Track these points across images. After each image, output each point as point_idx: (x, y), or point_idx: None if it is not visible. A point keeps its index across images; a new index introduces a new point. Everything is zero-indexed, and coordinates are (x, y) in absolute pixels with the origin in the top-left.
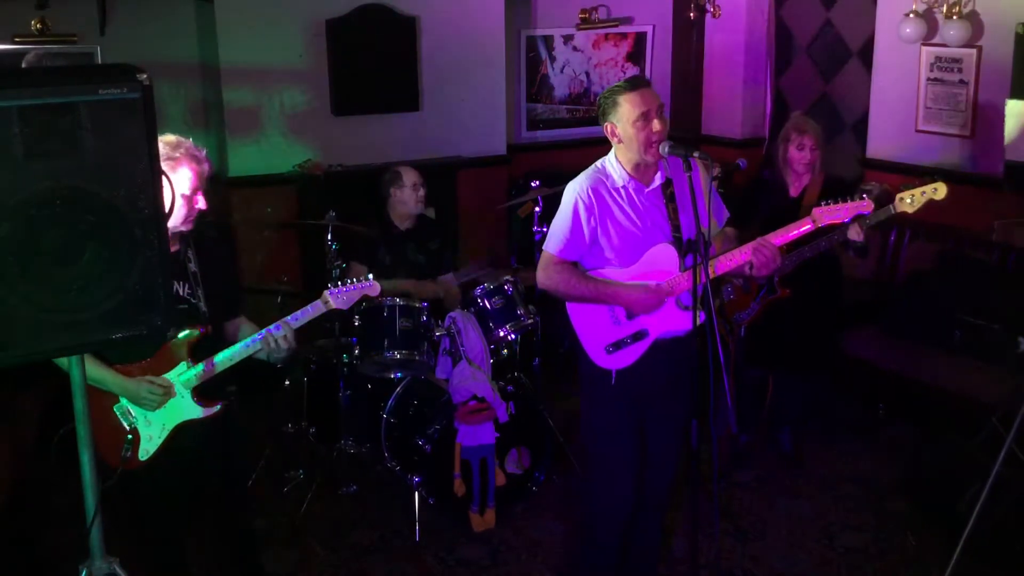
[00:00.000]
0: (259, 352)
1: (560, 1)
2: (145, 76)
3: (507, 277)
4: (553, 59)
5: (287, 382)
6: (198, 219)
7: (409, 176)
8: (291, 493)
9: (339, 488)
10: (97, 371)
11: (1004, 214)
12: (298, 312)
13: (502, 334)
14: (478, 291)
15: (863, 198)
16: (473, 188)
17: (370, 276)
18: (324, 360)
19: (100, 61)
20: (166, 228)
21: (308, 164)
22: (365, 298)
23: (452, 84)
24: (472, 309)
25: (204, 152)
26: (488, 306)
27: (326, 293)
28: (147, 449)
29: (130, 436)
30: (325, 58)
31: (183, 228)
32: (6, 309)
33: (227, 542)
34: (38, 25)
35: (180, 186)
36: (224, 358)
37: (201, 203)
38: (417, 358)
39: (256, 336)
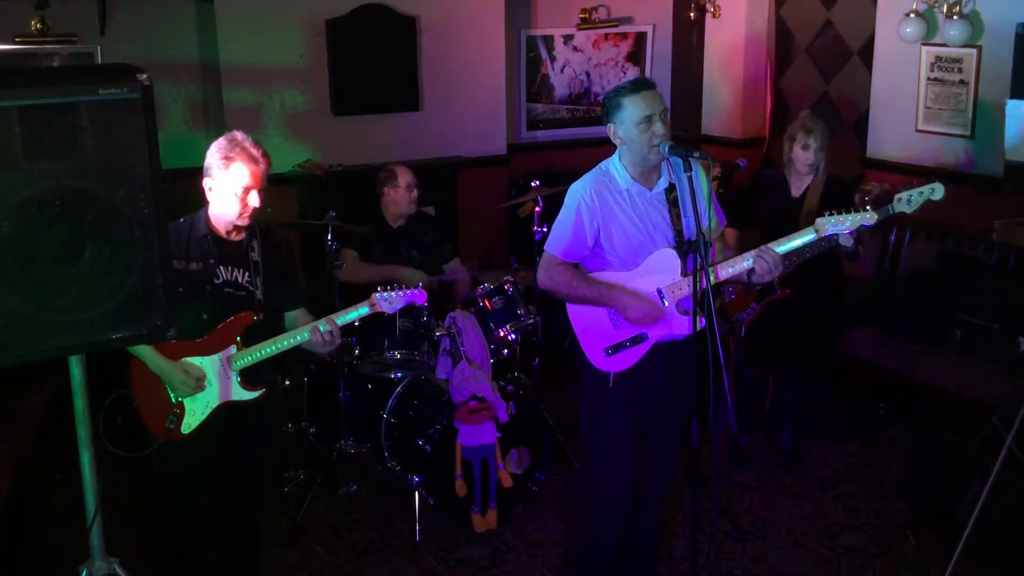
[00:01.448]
0: (307, 344)
1: (560, 1)
2: (145, 76)
3: (507, 277)
4: (553, 59)
5: (287, 382)
6: (261, 214)
7: (403, 176)
8: (291, 493)
9: (339, 488)
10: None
11: (1004, 214)
12: (344, 311)
13: (502, 334)
14: (478, 291)
15: (867, 210)
16: (473, 188)
17: (419, 284)
18: (324, 360)
19: (100, 61)
20: (166, 228)
21: (308, 164)
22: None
23: (452, 84)
24: (472, 309)
25: (261, 151)
26: (488, 306)
27: (374, 296)
28: (190, 423)
29: (176, 410)
30: (325, 58)
31: (239, 223)
32: (6, 309)
33: (230, 535)
34: (38, 25)
35: (232, 184)
36: (271, 348)
37: (255, 200)
38: (417, 358)
39: (304, 330)
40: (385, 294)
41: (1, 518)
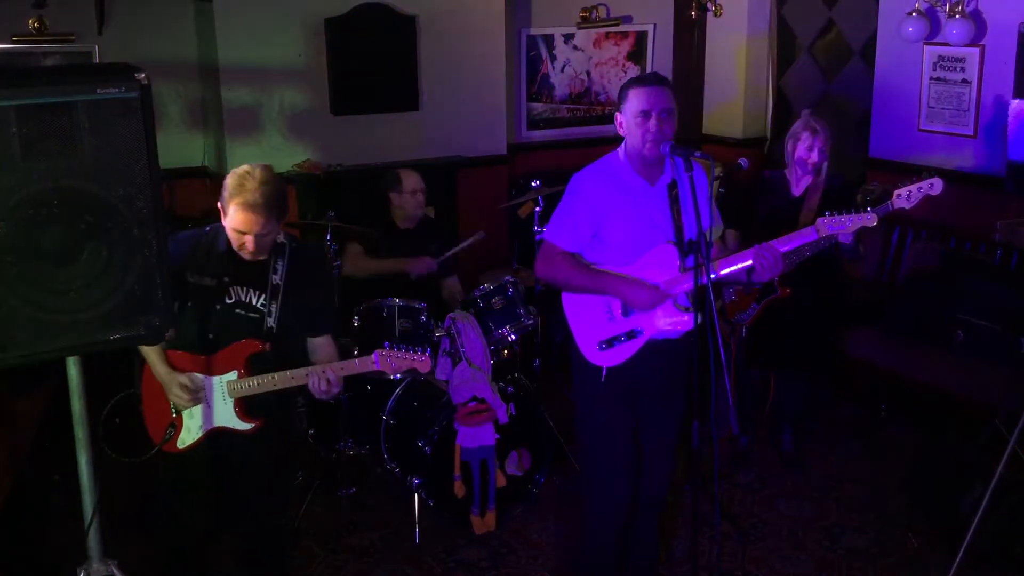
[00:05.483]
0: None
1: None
2: (143, 75)
3: (507, 277)
4: (554, 58)
5: None
6: (290, 236)
7: (409, 181)
8: (290, 495)
9: (338, 490)
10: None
11: (1007, 214)
12: (344, 362)
13: (502, 335)
14: (478, 292)
15: (867, 211)
16: (473, 188)
17: (427, 351)
18: None
19: (98, 60)
20: (165, 229)
21: (306, 164)
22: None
23: (452, 84)
24: (472, 310)
25: (264, 197)
26: (488, 307)
27: (375, 354)
28: (184, 439)
29: (173, 423)
30: (324, 58)
31: (242, 254)
32: (6, 309)
33: (250, 566)
34: (36, 24)
35: (231, 223)
36: (272, 384)
37: (250, 245)
38: None
39: (303, 371)
40: (389, 353)
41: (1, 518)
